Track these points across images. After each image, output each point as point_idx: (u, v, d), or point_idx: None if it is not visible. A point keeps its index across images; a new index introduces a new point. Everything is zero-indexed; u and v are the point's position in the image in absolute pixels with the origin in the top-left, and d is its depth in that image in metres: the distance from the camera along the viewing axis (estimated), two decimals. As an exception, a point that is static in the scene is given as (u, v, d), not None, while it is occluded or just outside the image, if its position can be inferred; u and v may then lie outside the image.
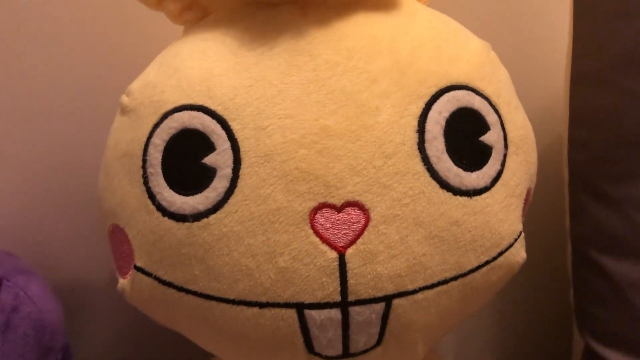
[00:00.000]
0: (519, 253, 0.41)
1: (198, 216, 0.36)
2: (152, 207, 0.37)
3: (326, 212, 0.36)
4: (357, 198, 0.36)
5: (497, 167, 0.39)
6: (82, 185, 0.58)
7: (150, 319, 0.62)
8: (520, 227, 0.41)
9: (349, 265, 0.36)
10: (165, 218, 0.37)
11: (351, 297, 0.36)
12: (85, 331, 0.63)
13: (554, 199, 0.56)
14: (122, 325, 0.62)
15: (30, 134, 0.57)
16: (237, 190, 0.36)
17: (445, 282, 0.38)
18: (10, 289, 0.56)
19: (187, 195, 0.37)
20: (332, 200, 0.36)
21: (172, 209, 0.37)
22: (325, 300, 0.36)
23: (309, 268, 0.36)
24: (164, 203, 0.37)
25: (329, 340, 0.38)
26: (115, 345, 0.63)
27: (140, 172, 0.38)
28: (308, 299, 0.36)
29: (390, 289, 0.37)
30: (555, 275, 0.58)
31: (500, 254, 0.40)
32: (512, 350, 0.65)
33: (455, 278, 0.38)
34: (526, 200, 0.42)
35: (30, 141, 0.58)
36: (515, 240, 0.41)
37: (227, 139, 0.36)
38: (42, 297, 0.59)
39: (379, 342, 0.38)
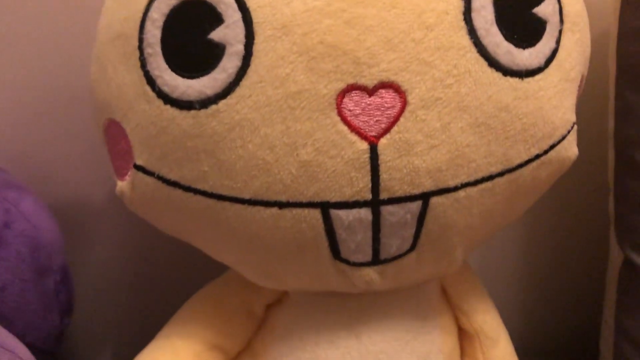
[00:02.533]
0: (571, 147, 0.36)
1: (205, 102, 0.31)
2: (152, 93, 0.32)
3: (356, 95, 0.31)
4: (393, 78, 0.31)
5: (552, 44, 0.33)
6: (75, 93, 0.53)
7: (154, 234, 0.58)
8: (573, 117, 0.36)
9: (382, 158, 0.31)
10: (168, 106, 0.32)
11: (383, 195, 0.32)
12: (84, 251, 0.59)
13: (596, 98, 0.51)
14: (124, 243, 0.58)
15: (17, 40, 0.52)
16: (250, 71, 0.31)
17: (490, 178, 0.33)
18: (0, 203, 0.52)
19: (192, 77, 0.31)
20: (362, 81, 0.30)
21: (175, 94, 0.32)
22: (354, 199, 0.32)
23: (336, 161, 0.31)
24: (165, 88, 0.32)
25: (357, 244, 0.33)
26: (118, 265, 0.59)
27: (137, 53, 0.33)
28: (334, 197, 0.32)
29: (428, 186, 0.32)
30: (593, 181, 0.54)
31: (552, 147, 0.35)
32: (542, 263, 0.61)
33: (501, 174, 0.34)
34: (579, 88, 0.37)
35: (18, 48, 0.52)
36: (568, 132, 0.36)
37: (237, 8, 0.31)
38: (36, 214, 0.55)
39: (413, 246, 0.34)
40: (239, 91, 0.31)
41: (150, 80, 0.32)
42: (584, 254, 0.59)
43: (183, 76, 0.32)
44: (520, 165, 0.34)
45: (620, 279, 0.51)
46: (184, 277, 0.53)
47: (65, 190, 0.58)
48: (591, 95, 0.49)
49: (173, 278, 0.57)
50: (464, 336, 0.42)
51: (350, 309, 0.38)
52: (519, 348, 0.45)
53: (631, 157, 0.47)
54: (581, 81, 0.37)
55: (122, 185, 0.36)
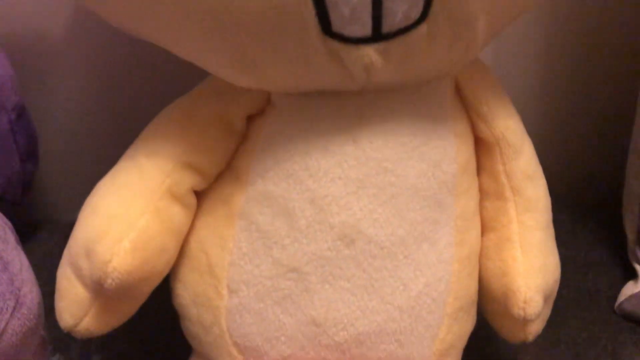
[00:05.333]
0: None
1: None
2: None
3: None
4: None
5: None
6: None
7: (120, 67, 0.51)
8: None
9: None
10: None
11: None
12: (44, 94, 0.52)
13: None
14: (87, 80, 0.51)
15: None
16: None
17: None
18: None
19: None
20: None
21: None
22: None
23: None
24: None
25: (352, 9, 0.26)
26: (83, 105, 0.53)
27: None
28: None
29: None
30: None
31: None
32: (565, 71, 0.51)
33: None
34: None
35: None
36: None
37: None
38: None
39: (424, 15, 0.27)
40: None
41: None
42: (615, 62, 0.51)
43: None
44: None
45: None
46: (156, 112, 0.46)
47: (18, 23, 0.50)
48: None
49: (144, 113, 0.50)
50: (482, 147, 0.35)
51: (347, 111, 0.32)
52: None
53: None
54: None
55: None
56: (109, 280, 0.31)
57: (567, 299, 0.49)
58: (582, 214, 0.55)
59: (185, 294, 0.35)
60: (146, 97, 0.50)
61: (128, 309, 0.34)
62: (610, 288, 0.50)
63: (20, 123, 0.48)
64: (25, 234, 0.51)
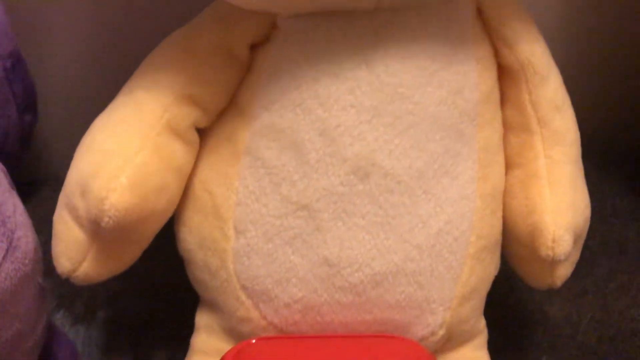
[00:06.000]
0: None
1: None
2: None
3: None
4: None
5: None
6: None
7: (124, 13, 0.48)
8: None
9: None
10: None
11: None
12: (43, 44, 0.50)
13: None
14: (89, 30, 0.49)
15: None
16: None
17: None
18: None
19: None
20: None
21: None
22: None
23: None
24: None
25: None
26: (83, 57, 0.50)
27: None
28: None
29: None
30: None
31: None
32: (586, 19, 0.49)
33: None
34: None
35: None
36: None
37: None
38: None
39: None
40: None
41: None
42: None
43: None
44: None
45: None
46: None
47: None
48: None
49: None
50: (506, 75, 0.33)
51: (359, 33, 0.29)
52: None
53: None
54: None
55: None
56: (106, 219, 0.29)
57: (594, 248, 0.47)
58: (609, 163, 0.52)
59: (190, 238, 0.33)
60: (149, 41, 0.48)
61: (129, 254, 0.32)
62: (638, 237, 0.48)
63: (16, 72, 0.46)
64: (28, 191, 0.49)
